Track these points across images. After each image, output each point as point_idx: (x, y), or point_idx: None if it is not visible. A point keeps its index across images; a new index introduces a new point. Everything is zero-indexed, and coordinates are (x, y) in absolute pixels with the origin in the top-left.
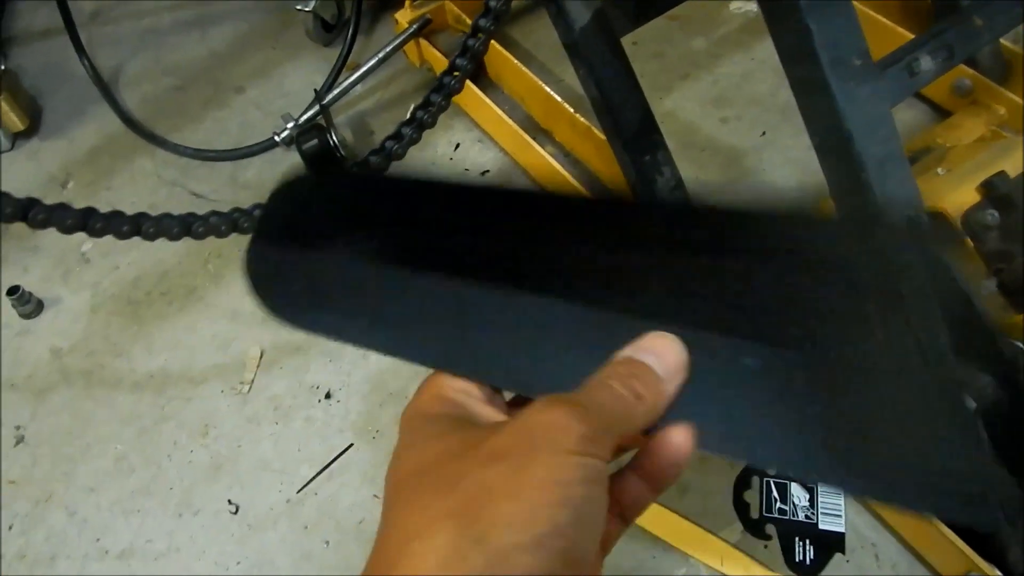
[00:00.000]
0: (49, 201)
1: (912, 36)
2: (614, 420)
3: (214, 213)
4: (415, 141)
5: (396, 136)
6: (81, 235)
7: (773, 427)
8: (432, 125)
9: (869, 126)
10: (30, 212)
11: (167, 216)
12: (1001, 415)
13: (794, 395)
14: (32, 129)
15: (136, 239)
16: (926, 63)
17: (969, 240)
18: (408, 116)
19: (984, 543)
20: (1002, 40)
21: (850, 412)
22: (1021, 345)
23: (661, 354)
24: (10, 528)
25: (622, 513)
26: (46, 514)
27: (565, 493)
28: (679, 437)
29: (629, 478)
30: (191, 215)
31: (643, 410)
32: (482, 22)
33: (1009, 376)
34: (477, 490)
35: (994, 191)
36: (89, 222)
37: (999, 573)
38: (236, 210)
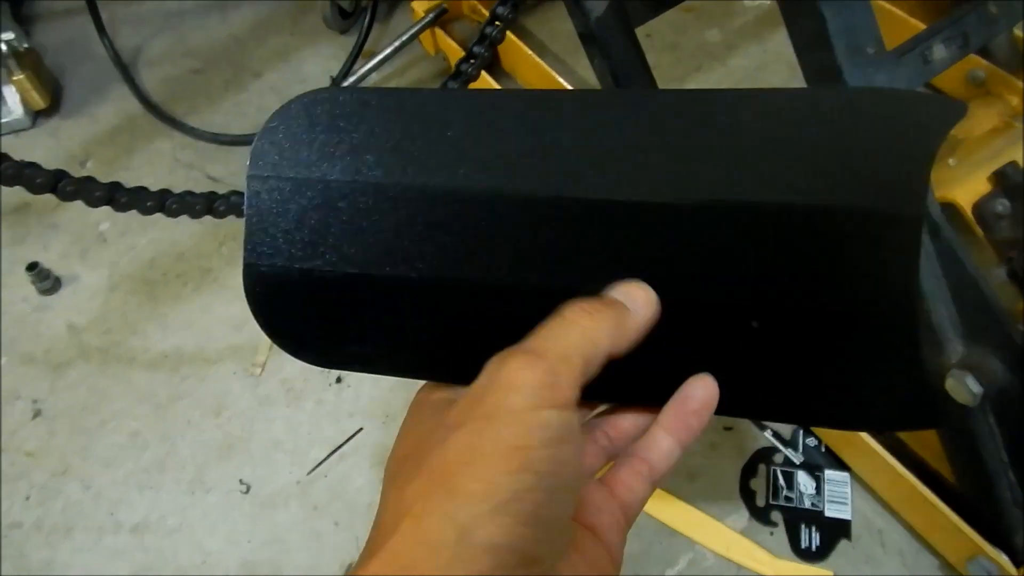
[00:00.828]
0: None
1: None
2: (574, 348)
3: (235, 192)
4: None
5: None
6: (99, 215)
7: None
8: None
9: None
10: (59, 184)
11: (189, 193)
12: (1011, 399)
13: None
14: (53, 107)
15: (153, 220)
16: (939, 51)
17: (980, 229)
18: None
19: (990, 527)
20: (1017, 31)
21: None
22: None
23: (626, 291)
24: (27, 499)
25: (650, 471)
26: (63, 486)
27: (525, 457)
28: (699, 387)
29: (656, 434)
30: (213, 194)
31: (606, 330)
32: (500, 10)
33: (1018, 361)
34: (440, 466)
35: (1006, 180)
36: (115, 196)
37: (1005, 557)
38: None
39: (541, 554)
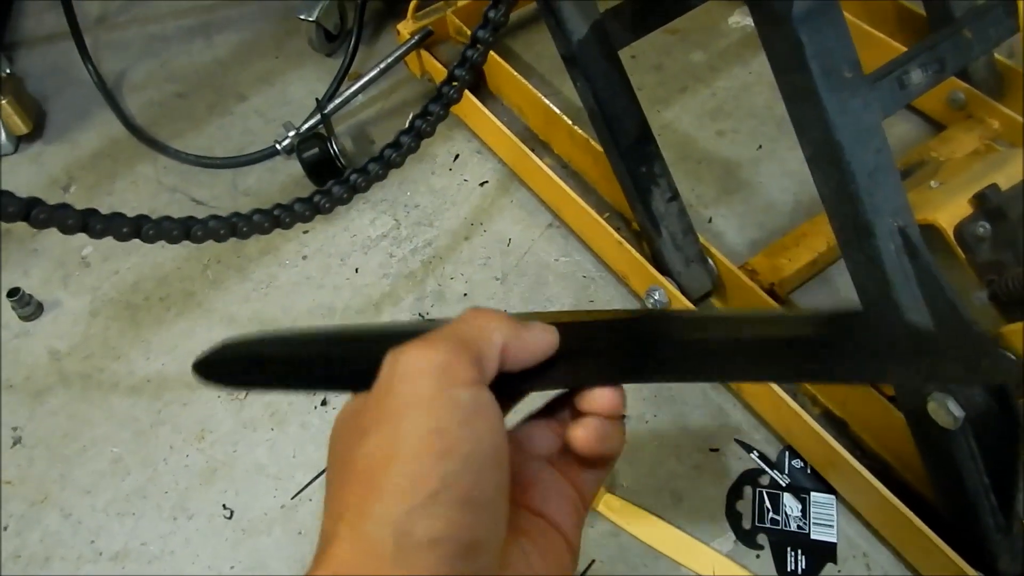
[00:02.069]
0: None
1: (904, 48)
2: (467, 335)
3: (213, 217)
4: (413, 150)
5: (395, 145)
6: (82, 239)
7: None
8: (431, 134)
9: (859, 137)
10: (32, 211)
11: (167, 219)
12: (992, 423)
13: None
14: (36, 133)
15: (137, 243)
16: (917, 76)
17: (961, 251)
18: (407, 125)
19: (974, 551)
20: (997, 55)
21: None
22: (1010, 355)
23: (527, 324)
24: (5, 528)
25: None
26: (41, 515)
27: (445, 440)
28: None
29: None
30: (191, 219)
31: (499, 327)
32: (481, 33)
33: (1000, 386)
34: (366, 467)
35: (986, 203)
36: (90, 223)
37: None
38: (235, 215)
39: (482, 538)
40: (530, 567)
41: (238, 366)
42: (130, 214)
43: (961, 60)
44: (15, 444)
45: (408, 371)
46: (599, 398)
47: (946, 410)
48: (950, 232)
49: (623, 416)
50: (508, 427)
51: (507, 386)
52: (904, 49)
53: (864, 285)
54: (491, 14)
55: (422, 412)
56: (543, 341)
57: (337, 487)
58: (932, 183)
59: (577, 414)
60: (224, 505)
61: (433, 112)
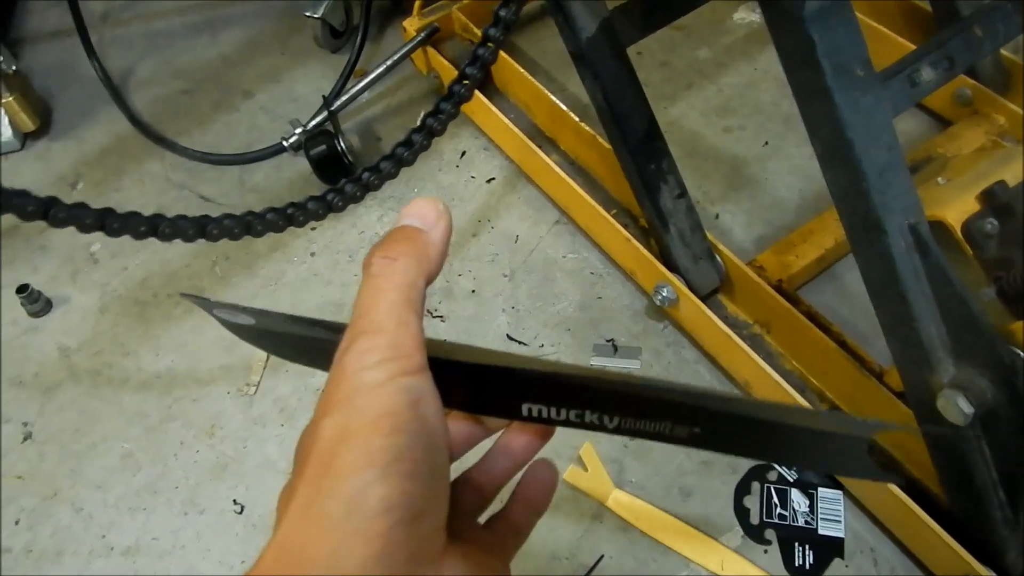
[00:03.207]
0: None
1: (914, 47)
2: (399, 307)
3: (228, 216)
4: (425, 148)
5: (407, 143)
6: (90, 236)
7: None
8: (442, 132)
9: (871, 135)
10: (50, 210)
11: (182, 218)
12: (1001, 419)
13: None
14: (43, 130)
15: (145, 240)
16: (927, 73)
17: (969, 248)
18: (419, 123)
19: (982, 547)
20: (1003, 51)
21: None
22: (1019, 351)
23: (420, 212)
24: (16, 523)
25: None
26: (52, 510)
27: (395, 422)
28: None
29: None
30: (206, 217)
31: (414, 268)
32: (492, 31)
33: (1007, 381)
34: (318, 454)
35: (994, 200)
36: (107, 221)
37: None
38: (249, 213)
39: (428, 507)
40: (470, 556)
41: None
42: (138, 211)
43: (971, 57)
44: (26, 439)
45: (356, 366)
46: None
47: (955, 406)
48: (958, 229)
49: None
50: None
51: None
52: (911, 46)
53: (874, 282)
54: (502, 12)
55: (372, 400)
56: (443, 234)
57: (295, 475)
58: (939, 180)
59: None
60: (235, 500)
61: (445, 110)
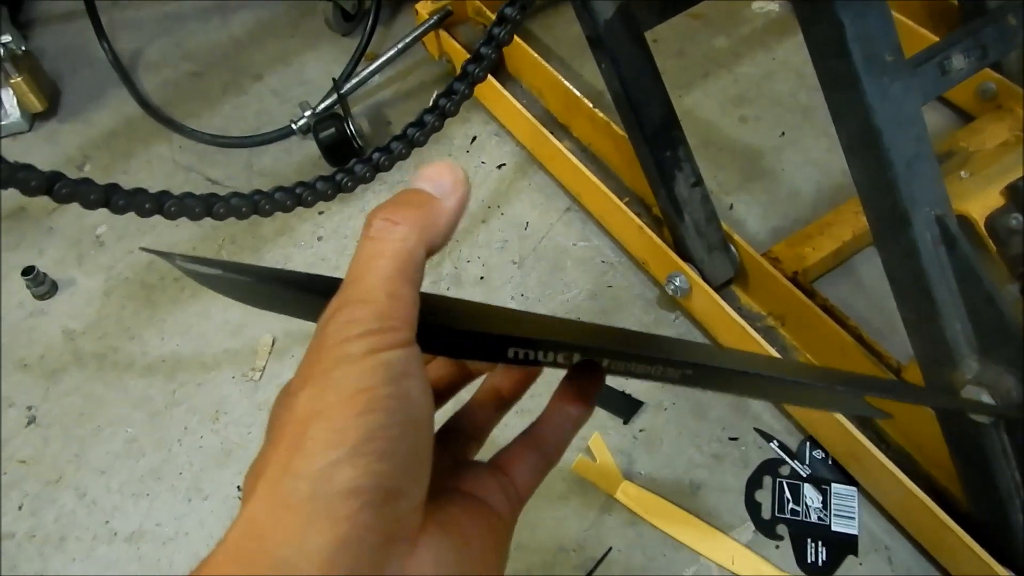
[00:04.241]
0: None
1: (935, 39)
2: (393, 276)
3: (235, 195)
4: (437, 129)
5: (418, 124)
6: (97, 218)
7: None
8: (454, 114)
9: (899, 123)
10: (55, 185)
11: (189, 195)
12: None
13: None
14: (51, 111)
15: (151, 223)
16: (958, 61)
17: (993, 244)
18: (431, 104)
19: (1002, 549)
20: None
21: None
22: None
23: (436, 177)
24: (20, 508)
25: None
26: (56, 495)
27: (371, 398)
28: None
29: (518, 451)
30: (213, 195)
31: (416, 235)
32: (508, 11)
33: None
34: (290, 429)
35: (1018, 195)
36: (112, 198)
37: None
38: (257, 192)
39: (403, 487)
40: (457, 520)
41: None
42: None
43: (1004, 47)
44: (30, 423)
45: (337, 336)
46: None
47: (979, 400)
48: (981, 224)
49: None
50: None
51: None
52: (935, 39)
53: (897, 275)
54: None
55: (349, 374)
56: (458, 201)
57: (267, 447)
58: (962, 174)
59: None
60: (239, 487)
61: (458, 91)
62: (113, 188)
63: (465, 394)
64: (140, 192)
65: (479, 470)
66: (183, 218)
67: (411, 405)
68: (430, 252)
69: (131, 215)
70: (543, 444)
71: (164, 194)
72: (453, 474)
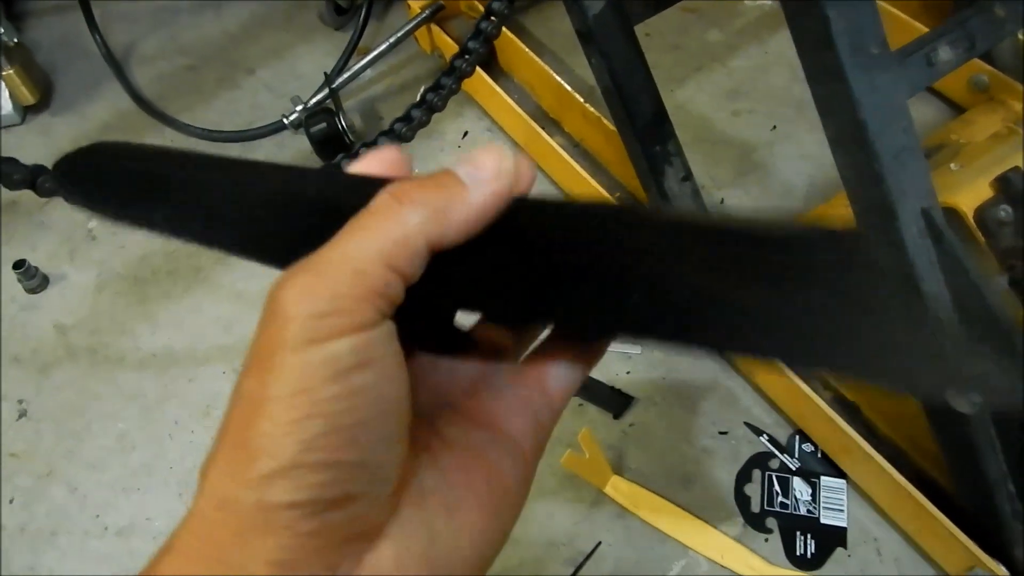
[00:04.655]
0: None
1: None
2: (370, 254)
3: None
4: (424, 123)
5: (405, 118)
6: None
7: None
8: (442, 108)
9: (885, 116)
10: (38, 179)
11: None
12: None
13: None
14: (43, 104)
15: None
16: (945, 53)
17: (982, 236)
18: (418, 98)
19: (989, 538)
20: (1022, 36)
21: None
22: None
23: (478, 162)
24: (11, 502)
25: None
26: (47, 489)
27: (309, 402)
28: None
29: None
30: None
31: (419, 219)
32: (496, 5)
33: (1020, 370)
34: (231, 423)
35: (1008, 187)
36: None
37: (1004, 569)
38: None
39: (355, 491)
40: (451, 488)
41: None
42: None
43: (992, 38)
44: (21, 417)
45: (281, 315)
46: None
47: (965, 396)
48: (970, 216)
49: None
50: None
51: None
52: (927, 30)
53: (884, 269)
54: None
55: (288, 369)
56: (486, 199)
57: (217, 438)
58: (952, 166)
59: None
60: None
61: (445, 85)
62: None
63: None
64: None
65: (504, 377)
66: None
67: (363, 403)
68: (432, 244)
69: None
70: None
71: None
72: (468, 382)
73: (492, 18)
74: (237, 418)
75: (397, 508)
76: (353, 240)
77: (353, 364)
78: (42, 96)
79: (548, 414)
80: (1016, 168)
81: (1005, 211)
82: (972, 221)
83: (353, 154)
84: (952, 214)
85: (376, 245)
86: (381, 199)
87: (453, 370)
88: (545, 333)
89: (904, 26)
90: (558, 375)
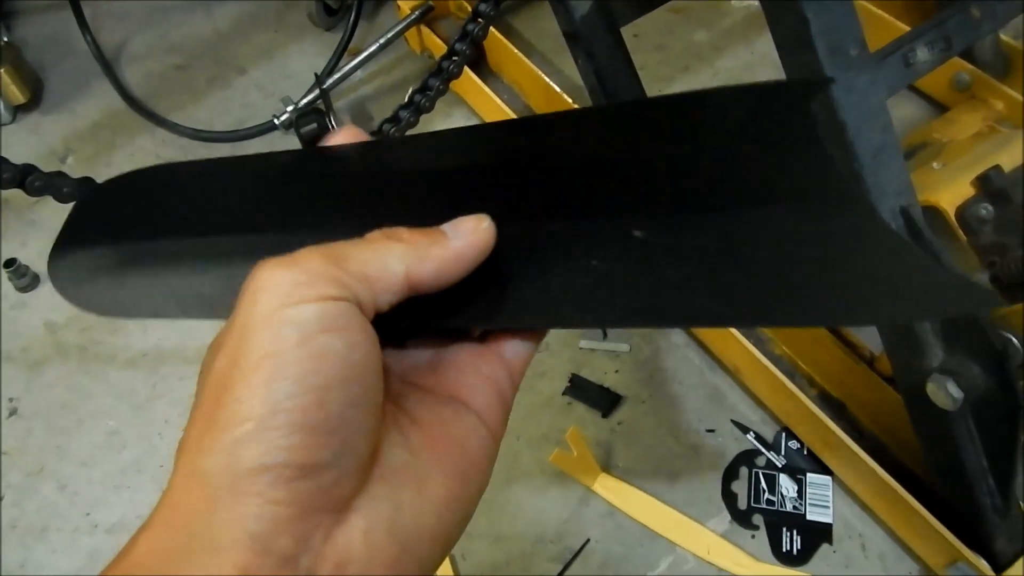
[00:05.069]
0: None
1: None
2: (346, 255)
3: None
4: (412, 125)
5: (393, 119)
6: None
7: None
8: (430, 109)
9: (864, 115)
10: (27, 178)
11: None
12: (991, 405)
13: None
14: (33, 102)
15: None
16: (923, 54)
17: (963, 233)
18: (406, 99)
19: (971, 533)
20: (1003, 36)
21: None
22: (1010, 336)
23: (460, 222)
24: (1, 498)
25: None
26: (38, 486)
27: (276, 364)
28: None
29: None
30: None
31: (400, 251)
32: (482, 7)
33: (998, 366)
34: (208, 394)
35: (989, 185)
36: (85, 191)
37: (985, 563)
38: None
39: (324, 459)
40: (418, 461)
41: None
42: None
43: (968, 38)
44: (11, 415)
45: (256, 289)
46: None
47: (945, 391)
48: (952, 214)
49: None
50: None
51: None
52: (907, 29)
53: None
54: None
55: (259, 333)
56: (464, 249)
57: (192, 413)
58: (934, 164)
59: None
60: None
61: (433, 86)
62: (87, 181)
63: None
64: None
65: (463, 357)
66: None
67: (329, 366)
68: (417, 284)
69: None
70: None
71: None
72: (430, 362)
73: (479, 20)
74: (209, 392)
75: (366, 483)
76: (334, 247)
77: (318, 328)
78: (32, 95)
79: (509, 386)
80: (998, 167)
81: (986, 209)
82: (953, 219)
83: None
84: (934, 212)
85: (356, 252)
86: (374, 234)
87: (417, 353)
88: None
89: (889, 27)
90: (515, 349)
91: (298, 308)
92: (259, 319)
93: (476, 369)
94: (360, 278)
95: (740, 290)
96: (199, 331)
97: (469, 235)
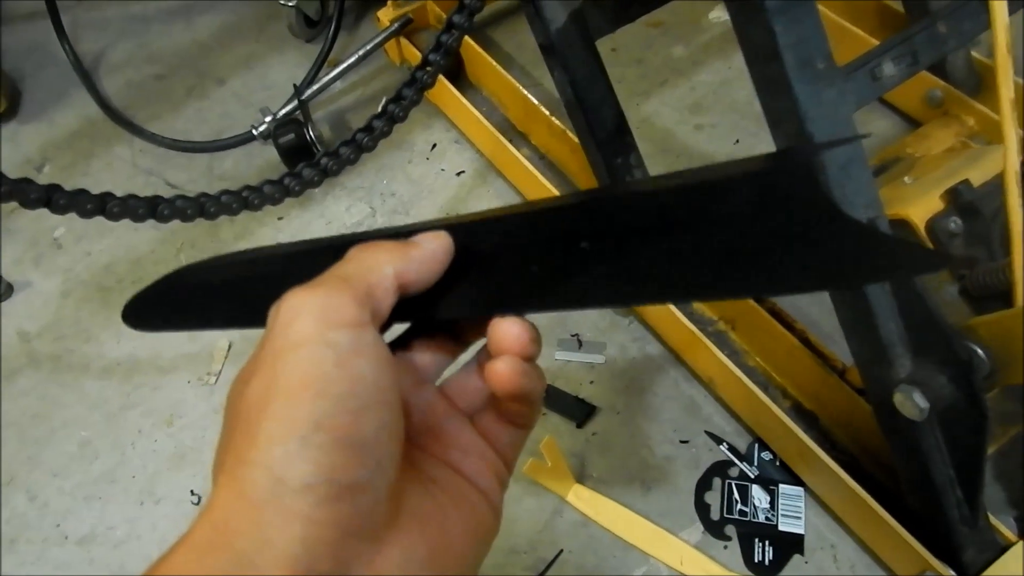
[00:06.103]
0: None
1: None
2: (352, 273)
3: (180, 196)
4: (386, 134)
5: (367, 129)
6: (55, 220)
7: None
8: (403, 119)
9: (832, 129)
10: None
11: (132, 197)
12: (958, 415)
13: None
14: (11, 112)
15: (111, 225)
16: (889, 68)
17: (932, 247)
18: (380, 109)
19: (940, 544)
20: (975, 53)
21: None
22: (976, 348)
23: (421, 235)
24: None
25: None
26: (8, 497)
27: (318, 383)
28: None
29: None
30: (157, 197)
31: (386, 256)
32: (456, 18)
33: (964, 377)
34: (245, 416)
35: (958, 199)
36: (53, 198)
37: (953, 573)
38: (203, 195)
39: (362, 479)
40: (441, 511)
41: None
42: (86, 188)
43: (934, 54)
44: None
45: (288, 315)
46: (504, 336)
47: (912, 402)
48: (922, 227)
49: (533, 357)
50: (442, 379)
51: (417, 310)
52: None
53: None
54: (467, 0)
55: (298, 355)
56: (434, 249)
57: (225, 436)
58: (906, 179)
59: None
60: (192, 491)
61: (406, 97)
62: (54, 188)
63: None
64: (81, 192)
65: (467, 440)
66: (126, 219)
67: (362, 388)
68: (405, 285)
69: (94, 217)
70: (510, 412)
71: (107, 195)
72: (442, 437)
73: (452, 31)
74: (247, 413)
75: (397, 519)
76: (335, 269)
77: (352, 352)
78: (10, 104)
79: (504, 469)
80: (967, 181)
81: (955, 223)
82: (923, 232)
83: (315, 163)
84: (904, 225)
85: (353, 267)
86: (352, 250)
87: (423, 411)
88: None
89: (858, 41)
90: (507, 439)
91: (334, 332)
92: (295, 342)
93: (478, 452)
94: (368, 291)
95: (684, 264)
96: (173, 341)
97: (434, 240)
